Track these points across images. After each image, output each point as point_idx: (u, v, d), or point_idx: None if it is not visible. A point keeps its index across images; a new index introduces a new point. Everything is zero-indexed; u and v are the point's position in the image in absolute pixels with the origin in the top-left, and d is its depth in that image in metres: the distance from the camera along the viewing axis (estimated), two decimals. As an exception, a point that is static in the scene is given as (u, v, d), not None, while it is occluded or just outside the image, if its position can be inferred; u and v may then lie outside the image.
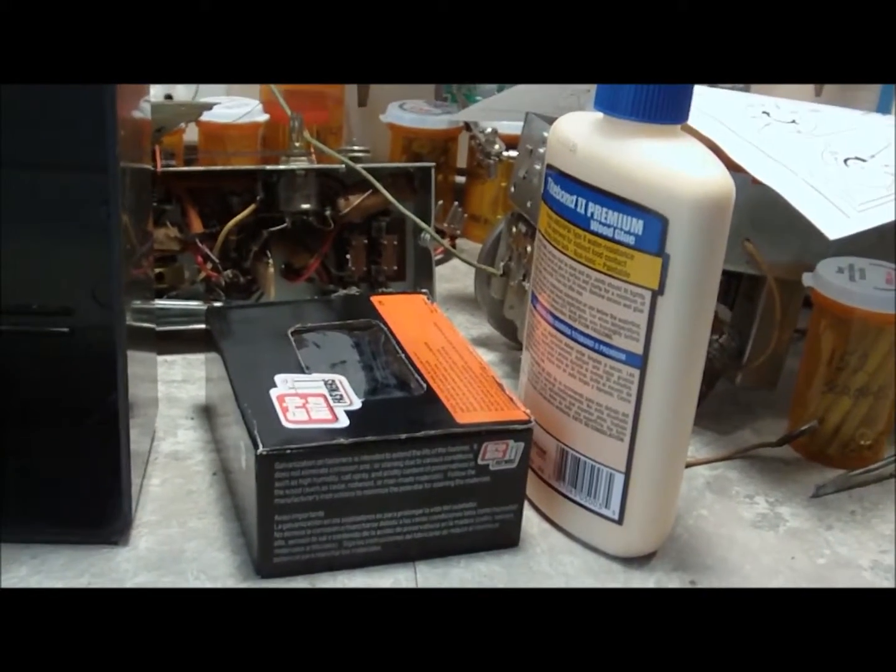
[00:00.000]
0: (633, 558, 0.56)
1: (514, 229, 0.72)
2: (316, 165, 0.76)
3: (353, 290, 0.78)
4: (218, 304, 0.74)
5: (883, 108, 1.05)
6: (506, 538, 0.56)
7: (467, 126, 0.91)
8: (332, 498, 0.51)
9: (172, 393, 0.68)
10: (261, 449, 0.49)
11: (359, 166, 0.74)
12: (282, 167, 0.75)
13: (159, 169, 0.71)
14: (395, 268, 0.80)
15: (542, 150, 0.67)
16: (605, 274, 0.51)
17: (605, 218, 0.51)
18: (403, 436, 0.51)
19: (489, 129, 0.82)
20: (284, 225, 0.75)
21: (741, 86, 0.96)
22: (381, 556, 0.53)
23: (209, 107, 0.82)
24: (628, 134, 0.50)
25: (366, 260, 0.79)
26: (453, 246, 0.83)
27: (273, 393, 0.54)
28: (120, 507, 0.53)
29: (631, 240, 0.50)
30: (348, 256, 0.79)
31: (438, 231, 0.79)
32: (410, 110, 0.98)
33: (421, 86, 1.04)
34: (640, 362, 0.51)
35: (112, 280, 0.50)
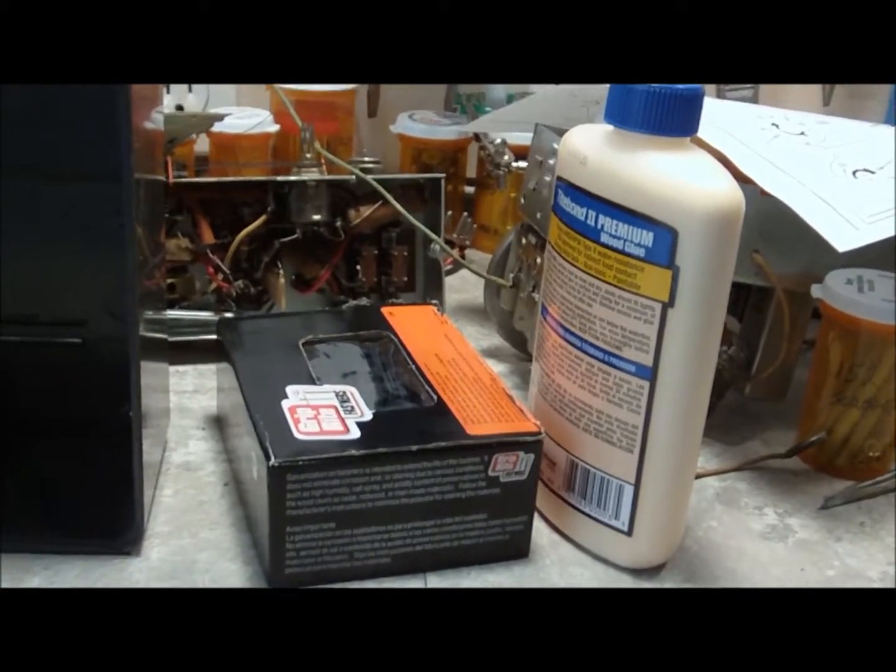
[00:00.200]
0: (643, 570, 0.56)
1: (523, 240, 0.72)
2: (327, 177, 0.76)
3: (364, 301, 0.79)
4: (229, 314, 0.74)
5: (891, 119, 1.05)
6: (516, 549, 0.56)
7: (477, 137, 0.92)
8: (344, 509, 0.51)
9: (184, 403, 0.68)
10: (273, 460, 0.49)
11: (369, 177, 0.75)
12: (293, 178, 0.75)
13: (171, 180, 0.71)
14: (406, 279, 0.80)
15: (551, 162, 0.67)
16: (616, 286, 0.51)
17: (616, 230, 0.51)
18: (414, 447, 0.52)
19: (499, 140, 0.82)
20: (295, 236, 0.76)
21: (749, 94, 0.97)
22: (392, 568, 0.53)
23: (220, 118, 0.82)
24: (638, 146, 0.51)
25: (376, 271, 0.80)
26: (462, 256, 0.84)
27: (285, 404, 0.54)
28: (132, 517, 0.53)
29: (641, 252, 0.50)
30: (359, 267, 0.79)
31: (448, 241, 0.80)
32: (420, 121, 0.98)
33: (430, 96, 1.04)
34: (649, 374, 0.51)
35: (126, 291, 0.50)
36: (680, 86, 0.49)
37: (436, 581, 0.54)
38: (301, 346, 0.61)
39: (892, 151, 0.65)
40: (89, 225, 0.51)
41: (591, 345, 0.53)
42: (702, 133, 0.52)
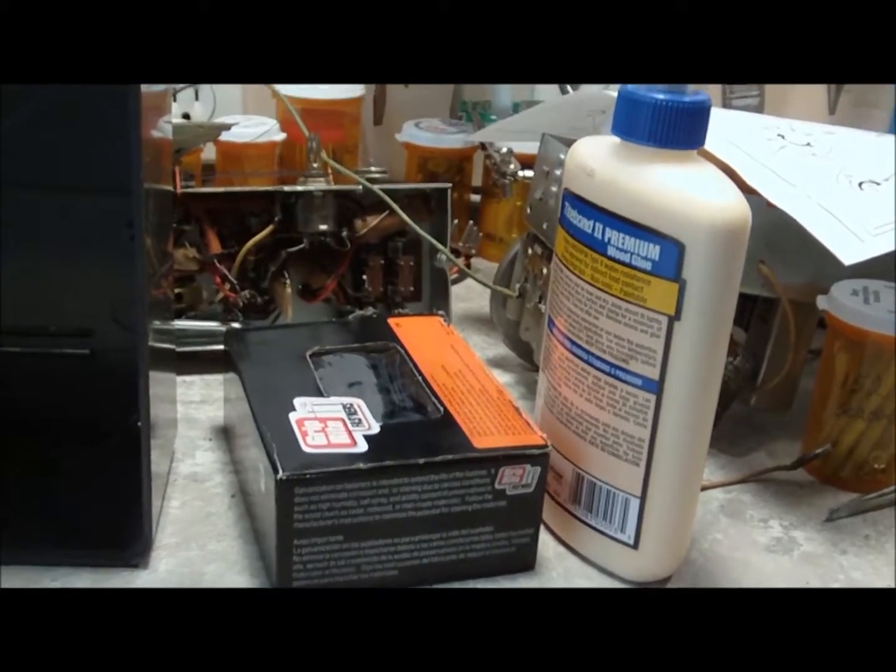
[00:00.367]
0: (648, 583, 0.56)
1: (529, 251, 0.72)
2: (333, 187, 0.76)
3: (370, 311, 0.79)
4: (236, 324, 0.74)
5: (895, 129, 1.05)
6: (522, 562, 0.56)
7: (483, 145, 0.92)
8: (351, 522, 0.51)
9: (191, 413, 0.68)
10: (281, 473, 0.50)
11: (376, 187, 0.75)
12: (300, 188, 0.75)
13: (179, 190, 0.71)
14: (412, 288, 0.80)
15: (558, 172, 0.67)
16: (622, 299, 0.51)
17: (623, 243, 0.51)
18: (422, 460, 0.52)
19: (504, 149, 0.82)
20: (302, 246, 0.76)
21: (755, 102, 0.97)
22: (399, 580, 0.53)
23: (227, 127, 0.82)
24: (645, 159, 0.51)
25: (382, 280, 0.80)
26: (468, 265, 0.84)
27: (292, 417, 0.54)
28: (140, 529, 0.53)
29: (648, 265, 0.50)
30: (365, 277, 0.79)
31: (454, 250, 0.80)
32: (426, 129, 0.98)
33: (436, 105, 1.04)
34: (656, 387, 0.52)
35: (135, 302, 0.51)
36: (687, 98, 0.49)
37: (442, 593, 0.54)
38: (308, 358, 0.61)
39: (898, 163, 0.66)
40: (99, 237, 0.51)
41: (598, 358, 0.53)
42: (708, 144, 0.52)
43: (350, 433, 0.53)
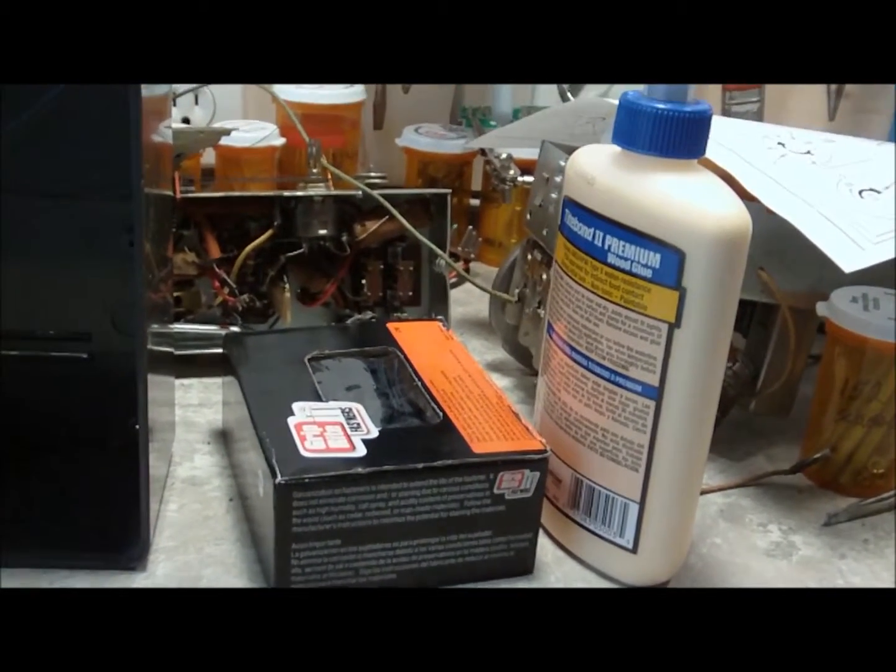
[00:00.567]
0: (648, 587, 0.56)
1: (529, 256, 0.72)
2: (333, 192, 0.76)
3: (369, 315, 0.79)
4: (235, 328, 0.74)
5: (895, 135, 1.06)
6: (520, 566, 0.56)
7: (482, 151, 0.92)
8: (349, 526, 0.51)
9: (189, 417, 0.68)
10: (279, 478, 0.50)
11: (375, 192, 0.75)
12: (299, 193, 0.75)
13: (179, 195, 0.71)
14: (411, 293, 0.80)
15: (558, 179, 0.67)
16: (622, 306, 0.52)
17: (623, 251, 0.51)
18: (420, 465, 0.52)
19: (504, 155, 0.82)
20: (301, 250, 0.76)
21: (755, 108, 0.97)
22: (397, 584, 0.53)
23: (227, 132, 0.82)
24: (646, 168, 0.51)
25: (382, 285, 0.80)
26: (467, 270, 0.84)
27: (291, 421, 0.54)
28: (138, 532, 0.53)
29: (648, 273, 0.50)
30: (364, 281, 0.79)
31: (453, 255, 0.80)
32: (426, 134, 0.98)
33: (436, 110, 1.05)
34: (655, 394, 0.52)
35: (134, 307, 0.50)
36: (688, 108, 0.49)
37: (441, 598, 0.54)
38: (307, 362, 0.61)
39: (898, 171, 0.66)
40: (99, 241, 0.51)
41: (598, 364, 0.53)
42: (708, 152, 0.52)
43: (349, 438, 0.53)
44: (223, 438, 0.66)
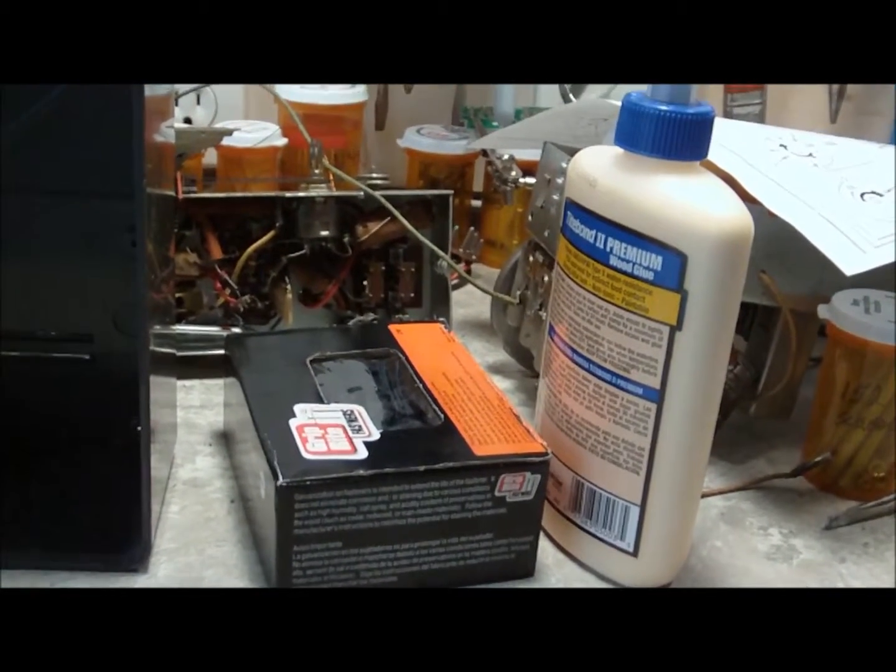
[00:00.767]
0: (648, 590, 0.56)
1: (531, 258, 0.72)
2: (335, 193, 0.76)
3: (370, 317, 0.79)
4: (236, 330, 0.74)
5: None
6: (521, 569, 0.56)
7: (484, 152, 0.92)
8: (351, 528, 0.51)
9: (191, 418, 0.68)
10: (281, 480, 0.50)
11: (377, 194, 0.75)
12: (301, 194, 0.75)
13: (181, 195, 0.71)
14: (413, 294, 0.80)
15: (559, 181, 0.67)
16: (624, 309, 0.52)
17: (625, 253, 0.51)
18: (422, 468, 0.52)
19: (506, 156, 0.82)
20: (303, 251, 0.76)
21: (756, 110, 0.97)
22: (398, 587, 0.53)
23: (229, 132, 0.82)
24: (648, 170, 0.51)
25: (383, 286, 0.80)
26: (469, 272, 0.84)
27: (292, 423, 0.54)
28: (139, 534, 0.53)
29: (650, 276, 0.50)
30: (366, 283, 0.79)
31: (454, 256, 0.80)
32: (428, 135, 0.98)
33: (438, 111, 1.05)
34: (657, 397, 0.52)
35: (136, 307, 0.50)
36: (690, 110, 0.49)
37: (441, 600, 0.54)
38: (308, 364, 0.61)
39: (899, 174, 0.66)
40: (101, 241, 0.51)
41: (599, 366, 0.53)
42: (710, 154, 0.52)
43: (350, 440, 0.53)
44: (225, 440, 0.66)
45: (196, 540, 0.57)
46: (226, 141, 0.85)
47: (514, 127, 0.85)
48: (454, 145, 0.97)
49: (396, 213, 0.75)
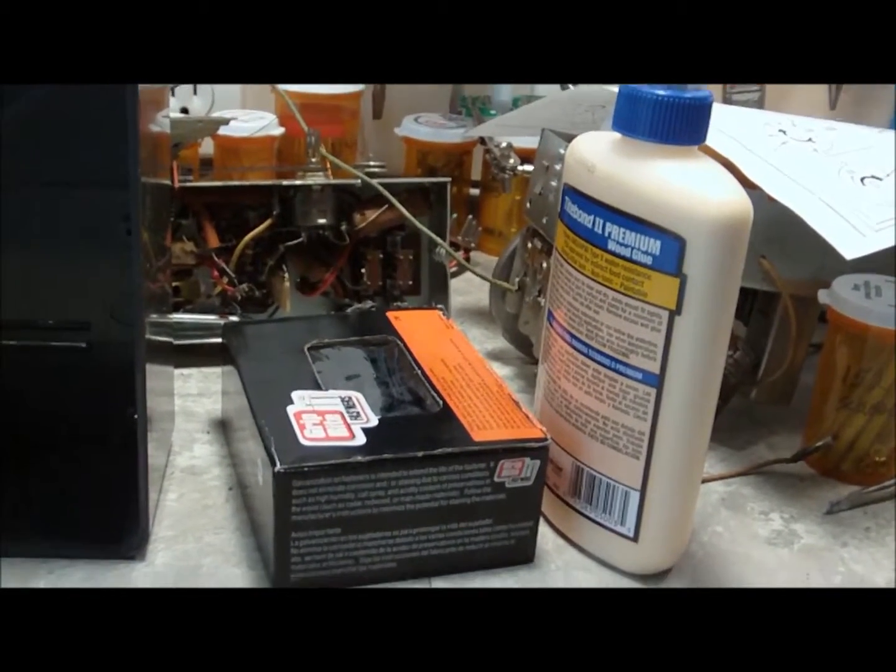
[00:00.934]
0: (648, 575, 0.56)
1: (529, 245, 0.72)
2: (332, 181, 0.76)
3: (368, 305, 0.79)
4: (234, 318, 0.74)
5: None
6: (521, 554, 0.56)
7: (482, 140, 0.92)
8: (349, 515, 0.51)
9: (189, 407, 0.68)
10: (278, 466, 0.49)
11: (375, 181, 0.75)
12: (298, 182, 0.75)
13: (177, 184, 0.71)
14: (411, 282, 0.80)
15: (557, 167, 0.67)
16: (623, 293, 0.51)
17: (623, 238, 0.51)
18: (420, 453, 0.52)
19: (504, 144, 0.82)
20: (300, 240, 0.76)
21: (755, 97, 0.96)
22: (397, 573, 0.53)
23: (226, 122, 0.82)
24: (646, 155, 0.51)
25: (381, 274, 0.80)
26: (467, 259, 0.84)
27: (290, 410, 0.54)
28: (137, 522, 0.53)
29: (648, 260, 0.50)
30: (363, 271, 0.79)
31: (453, 244, 0.80)
32: (425, 124, 0.98)
33: (436, 99, 1.04)
34: (656, 381, 0.51)
35: (132, 296, 0.50)
36: (688, 95, 0.49)
37: (441, 586, 0.54)
38: (306, 351, 0.60)
39: (899, 158, 0.66)
40: (97, 231, 0.51)
41: (598, 351, 0.53)
42: (709, 140, 0.52)
43: (348, 426, 0.53)
44: (222, 428, 0.66)
45: (194, 528, 0.57)
46: (222, 130, 0.85)
47: (512, 114, 0.85)
48: (452, 133, 0.97)
49: (394, 200, 0.74)
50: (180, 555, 0.55)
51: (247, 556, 0.55)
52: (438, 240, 0.76)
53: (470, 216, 0.85)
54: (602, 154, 0.52)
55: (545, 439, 0.54)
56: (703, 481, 0.63)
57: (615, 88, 0.52)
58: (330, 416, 0.54)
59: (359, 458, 0.51)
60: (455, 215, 0.80)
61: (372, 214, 0.77)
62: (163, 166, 0.61)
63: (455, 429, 0.54)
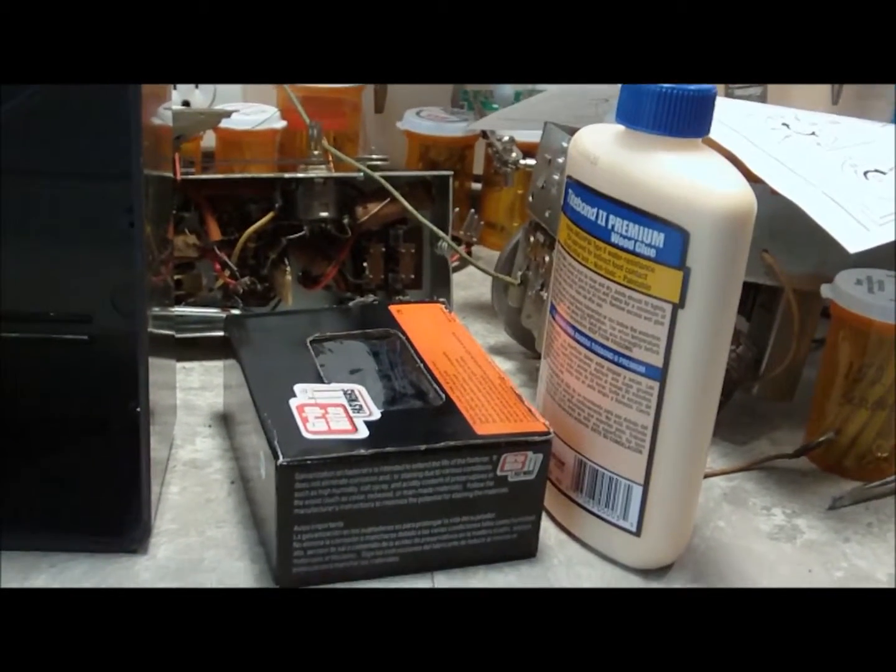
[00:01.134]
0: (651, 570, 0.56)
1: (531, 239, 0.72)
2: (334, 174, 0.76)
3: (370, 298, 0.79)
4: (236, 311, 0.74)
5: (899, 119, 1.05)
6: (523, 549, 0.56)
7: (484, 134, 0.91)
8: (352, 508, 0.51)
9: (190, 400, 0.68)
10: (281, 459, 0.49)
11: (377, 175, 0.74)
12: (300, 175, 0.75)
13: (179, 177, 0.71)
14: (413, 276, 0.80)
15: (560, 160, 0.67)
16: (626, 286, 0.51)
17: (626, 231, 0.51)
18: (423, 447, 0.51)
19: (506, 138, 0.82)
20: (303, 233, 0.76)
21: (758, 92, 0.96)
22: (400, 567, 0.53)
23: (228, 114, 0.82)
24: (650, 147, 0.50)
25: (383, 268, 0.79)
26: (469, 253, 0.84)
27: (293, 403, 0.54)
28: (139, 515, 0.53)
29: (652, 253, 0.50)
30: (366, 264, 0.79)
31: (455, 238, 0.80)
32: (427, 117, 0.98)
33: (438, 93, 1.04)
34: (659, 375, 0.51)
35: (135, 289, 0.50)
36: (692, 87, 0.49)
37: (443, 580, 0.54)
38: (309, 344, 0.60)
39: (903, 152, 0.65)
40: (99, 223, 0.51)
41: (601, 345, 0.53)
42: (712, 133, 0.51)
43: (351, 419, 0.53)
44: (224, 421, 0.66)
45: (196, 521, 0.57)
46: (224, 123, 0.85)
47: (514, 108, 0.85)
48: (454, 127, 0.97)
49: (396, 193, 0.74)
50: (182, 548, 0.54)
51: (249, 549, 0.55)
52: (441, 233, 0.76)
53: (472, 210, 0.84)
54: (605, 146, 0.52)
55: (548, 433, 0.54)
56: (706, 476, 0.63)
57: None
58: (332, 410, 0.54)
59: (361, 451, 0.51)
60: (457, 210, 0.80)
61: (374, 208, 0.77)
62: (165, 159, 0.61)
63: (458, 422, 0.54)
